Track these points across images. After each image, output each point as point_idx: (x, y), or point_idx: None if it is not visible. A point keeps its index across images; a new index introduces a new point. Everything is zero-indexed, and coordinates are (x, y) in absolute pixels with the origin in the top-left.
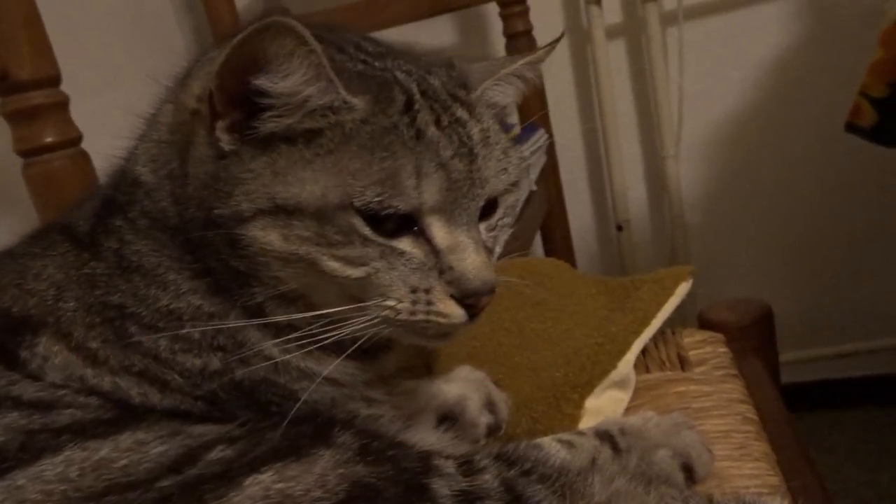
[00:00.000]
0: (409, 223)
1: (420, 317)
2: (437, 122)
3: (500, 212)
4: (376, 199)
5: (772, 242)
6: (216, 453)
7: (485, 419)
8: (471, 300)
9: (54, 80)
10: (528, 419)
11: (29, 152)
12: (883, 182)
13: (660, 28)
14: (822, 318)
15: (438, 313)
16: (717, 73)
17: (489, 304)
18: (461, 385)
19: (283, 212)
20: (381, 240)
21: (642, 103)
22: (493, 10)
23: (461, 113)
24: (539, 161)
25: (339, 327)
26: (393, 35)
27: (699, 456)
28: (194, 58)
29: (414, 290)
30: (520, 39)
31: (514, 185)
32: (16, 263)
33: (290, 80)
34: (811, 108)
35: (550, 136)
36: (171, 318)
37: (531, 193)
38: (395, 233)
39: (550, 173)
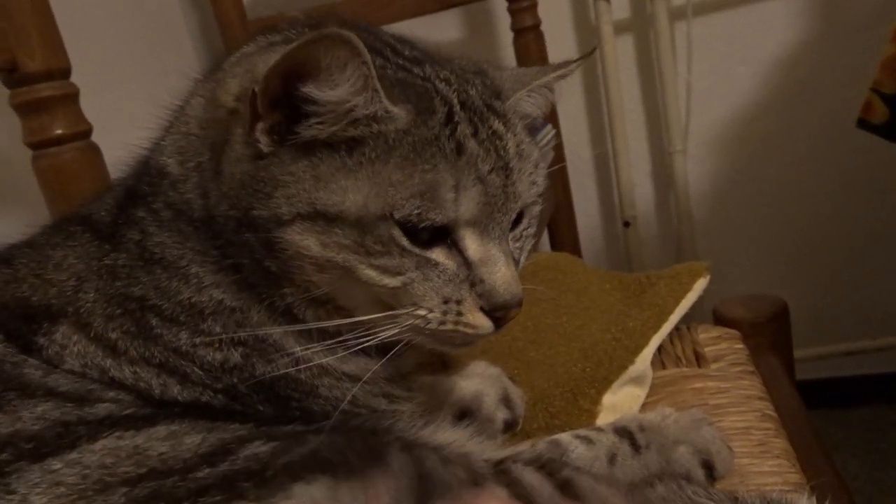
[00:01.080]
0: (443, 234)
1: (449, 326)
2: (476, 135)
3: (525, 222)
4: (416, 211)
5: (778, 239)
6: (252, 449)
7: (501, 414)
8: (499, 313)
9: (64, 72)
10: (545, 414)
11: (39, 144)
12: (892, 179)
13: (668, 24)
14: (829, 315)
15: (467, 324)
16: (725, 70)
17: (516, 316)
18: (477, 381)
19: (324, 218)
20: (417, 250)
21: (650, 99)
22: (501, 4)
23: (498, 125)
24: (546, 157)
25: (369, 334)
26: (401, 30)
27: (719, 452)
28: (224, 52)
29: (446, 301)
30: (528, 34)
31: (541, 195)
32: (35, 254)
33: (339, 90)
34: (820, 105)
35: (558, 131)
36: (192, 312)
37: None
38: (428, 243)
39: (558, 169)
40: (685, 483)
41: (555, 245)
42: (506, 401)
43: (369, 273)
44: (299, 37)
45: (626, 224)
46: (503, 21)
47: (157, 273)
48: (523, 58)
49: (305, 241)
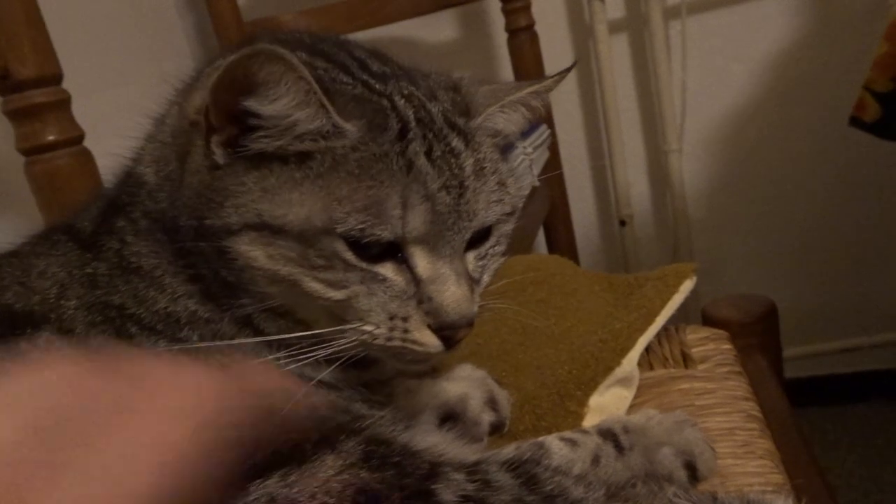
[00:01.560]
0: (392, 250)
1: (396, 343)
2: (429, 153)
3: (492, 240)
4: (359, 226)
5: (775, 237)
6: None
7: (487, 417)
8: (448, 332)
9: (56, 79)
10: (532, 416)
11: (31, 150)
12: (887, 177)
13: (662, 23)
14: (826, 313)
15: (414, 341)
16: (720, 68)
17: (466, 336)
18: (463, 384)
19: (269, 229)
20: (363, 265)
21: (645, 98)
22: (495, 5)
23: (456, 143)
24: (542, 157)
25: (323, 347)
26: (396, 30)
27: (702, 454)
28: (203, 63)
29: (392, 317)
30: (522, 35)
31: (510, 214)
32: (20, 262)
33: (279, 105)
34: (814, 103)
35: (553, 131)
36: (168, 321)
37: (534, 189)
38: (378, 258)
39: (553, 168)
40: (666, 484)
41: (551, 244)
42: (492, 403)
43: (314, 286)
44: None
45: (623, 223)
46: (498, 22)
47: (135, 282)
48: (518, 58)
49: (253, 252)
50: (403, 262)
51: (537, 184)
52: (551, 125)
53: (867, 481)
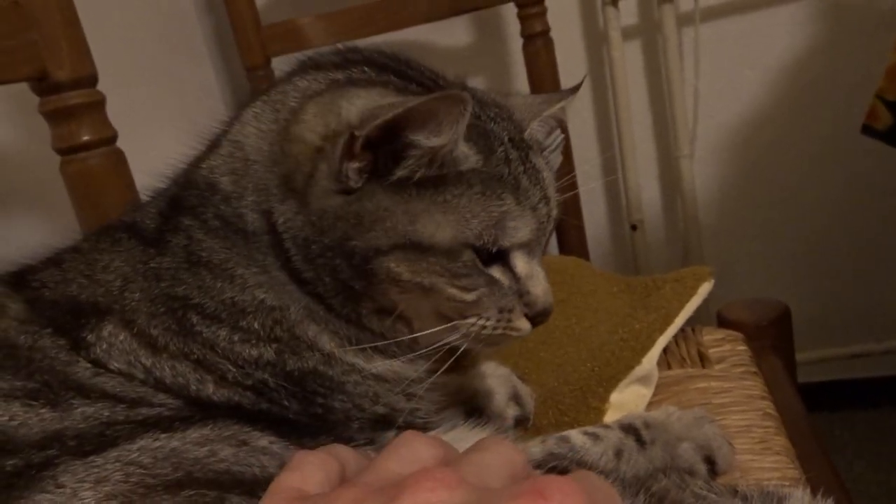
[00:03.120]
0: (501, 255)
1: (499, 331)
2: (525, 171)
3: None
4: (490, 239)
5: (785, 243)
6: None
7: (511, 412)
8: (540, 318)
9: (92, 80)
10: (555, 411)
11: (67, 150)
12: (894, 184)
13: (676, 29)
14: (835, 318)
15: (514, 328)
16: (733, 75)
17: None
18: (488, 381)
19: (418, 248)
20: (486, 270)
21: (657, 104)
22: (510, 11)
23: (536, 160)
24: (556, 161)
25: (434, 341)
26: (410, 35)
27: (720, 448)
28: (285, 83)
29: (501, 311)
30: (537, 40)
31: None
32: (83, 257)
33: (442, 138)
34: (826, 110)
35: (567, 135)
36: (234, 310)
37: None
38: (489, 263)
39: (565, 172)
40: (688, 476)
41: (563, 247)
42: (516, 398)
43: (452, 291)
44: (362, 75)
45: (634, 227)
46: (513, 27)
47: (202, 274)
48: (532, 64)
49: (398, 267)
50: (506, 264)
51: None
52: (564, 129)
53: (875, 486)
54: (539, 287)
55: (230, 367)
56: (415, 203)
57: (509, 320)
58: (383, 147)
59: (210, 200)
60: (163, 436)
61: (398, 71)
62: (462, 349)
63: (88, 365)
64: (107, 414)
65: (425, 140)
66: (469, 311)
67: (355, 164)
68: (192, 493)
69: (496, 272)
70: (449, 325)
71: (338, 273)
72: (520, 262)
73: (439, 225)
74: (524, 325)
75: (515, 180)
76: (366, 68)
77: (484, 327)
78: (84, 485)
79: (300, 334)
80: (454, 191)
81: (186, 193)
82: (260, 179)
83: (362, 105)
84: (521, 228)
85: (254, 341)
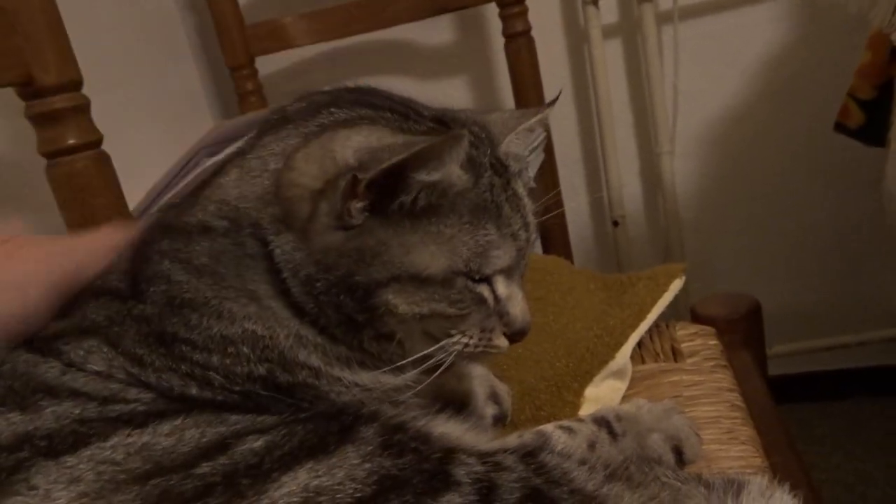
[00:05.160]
0: (484, 279)
1: (480, 349)
2: (507, 199)
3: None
4: (475, 267)
5: (763, 237)
6: (248, 444)
7: (490, 410)
8: (517, 337)
9: (76, 84)
10: (532, 407)
11: (52, 154)
12: (871, 179)
13: (655, 27)
14: (812, 311)
15: (494, 346)
16: (712, 72)
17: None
18: (466, 381)
19: (416, 280)
20: (476, 290)
21: (638, 101)
22: (492, 10)
23: (516, 186)
24: (538, 159)
25: (424, 360)
26: (393, 34)
27: (688, 438)
28: (269, 125)
29: (483, 330)
30: (519, 39)
31: None
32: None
33: (441, 173)
34: (803, 107)
35: (548, 133)
36: (223, 342)
37: (530, 191)
38: (476, 284)
39: (548, 170)
40: (656, 465)
41: (546, 243)
42: (494, 397)
43: (451, 311)
44: (343, 115)
45: (616, 223)
46: (495, 26)
47: (186, 313)
48: (515, 62)
49: (396, 299)
50: (488, 286)
51: (533, 185)
52: (546, 128)
53: (851, 475)
54: (517, 307)
55: (217, 377)
56: (409, 235)
57: (490, 339)
58: (383, 184)
59: (198, 240)
60: (135, 432)
61: (370, 104)
62: (444, 365)
63: (56, 364)
64: (77, 412)
65: (426, 177)
66: (455, 329)
67: (358, 204)
68: (158, 480)
69: (485, 291)
70: (437, 345)
71: (342, 308)
72: (500, 286)
73: (433, 255)
74: (503, 342)
75: (497, 208)
76: (333, 109)
77: (467, 345)
78: (57, 486)
79: (290, 357)
80: (447, 221)
81: (162, 241)
82: (252, 218)
83: (356, 146)
84: (501, 257)
85: (244, 362)
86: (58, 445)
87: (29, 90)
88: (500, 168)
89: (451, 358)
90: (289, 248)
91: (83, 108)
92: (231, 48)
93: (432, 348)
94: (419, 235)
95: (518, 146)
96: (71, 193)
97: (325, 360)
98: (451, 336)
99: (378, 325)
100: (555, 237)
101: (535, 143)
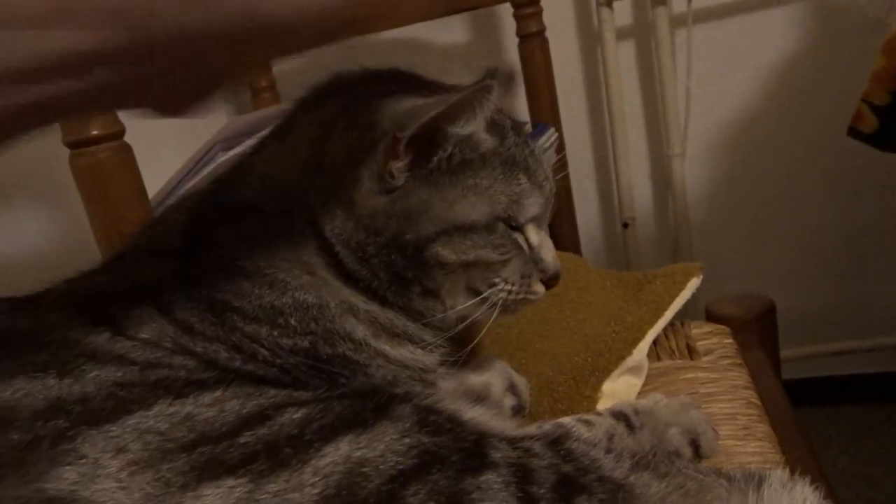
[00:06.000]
0: (517, 229)
1: (521, 296)
2: (530, 154)
3: None
4: (513, 213)
5: (773, 242)
6: (287, 415)
7: (509, 401)
8: (553, 281)
9: None
10: (550, 399)
11: (76, 144)
12: (884, 184)
13: (669, 31)
14: (821, 316)
15: (533, 292)
16: (724, 76)
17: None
18: (485, 373)
19: (461, 230)
20: (514, 237)
21: (650, 103)
22: (506, 10)
23: (531, 143)
24: (550, 159)
25: (465, 316)
26: (406, 33)
27: (705, 433)
28: (304, 102)
29: (523, 276)
30: (533, 40)
31: None
32: (107, 275)
33: (474, 125)
34: (815, 111)
35: (560, 134)
36: (272, 312)
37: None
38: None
39: (560, 171)
40: (675, 457)
41: (556, 244)
42: (512, 389)
43: (493, 255)
44: (366, 95)
45: (625, 225)
46: (509, 26)
47: (238, 280)
48: (528, 63)
49: (444, 250)
50: (522, 235)
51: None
52: (559, 128)
53: (857, 480)
54: (549, 254)
55: (263, 350)
56: (449, 191)
57: (529, 285)
58: (421, 142)
59: (248, 217)
60: (177, 401)
61: (395, 79)
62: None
63: (107, 331)
64: (119, 375)
65: (461, 130)
66: (498, 277)
67: (399, 164)
68: (204, 448)
69: (520, 239)
70: (478, 298)
71: (393, 267)
72: (531, 234)
73: (474, 205)
74: (540, 288)
75: (525, 161)
76: (363, 85)
77: (510, 293)
78: (105, 454)
79: (337, 329)
80: (482, 174)
81: (218, 212)
82: (297, 191)
83: (392, 112)
84: (533, 205)
85: (290, 334)
86: (98, 412)
87: None
88: (518, 129)
89: (493, 311)
90: (338, 221)
91: None
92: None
93: (472, 301)
94: (459, 189)
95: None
96: (93, 183)
97: (372, 330)
98: (494, 285)
99: (426, 280)
100: (565, 238)
101: (547, 143)
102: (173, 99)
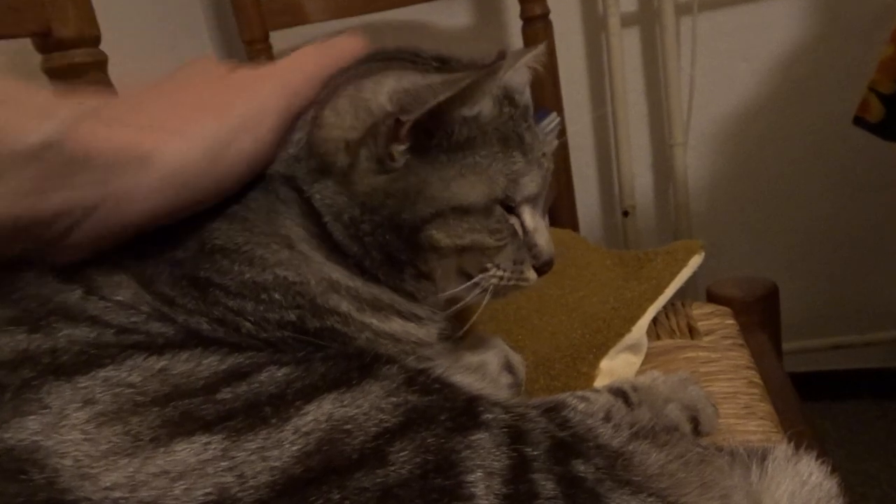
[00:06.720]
0: (511, 210)
1: (513, 282)
2: (527, 128)
3: None
4: (510, 193)
5: (773, 233)
6: (268, 374)
7: (504, 379)
8: (546, 268)
9: (95, 40)
10: (546, 377)
11: None
12: (888, 178)
13: (674, 18)
14: (821, 310)
15: (525, 279)
16: (728, 66)
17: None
18: (481, 350)
19: (458, 211)
20: (510, 222)
21: (653, 92)
22: None
23: (529, 118)
24: (551, 145)
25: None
26: (409, 14)
27: (705, 409)
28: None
29: (515, 262)
30: (536, 23)
31: None
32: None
33: (478, 107)
34: (819, 103)
35: (562, 120)
36: (255, 287)
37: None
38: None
39: (560, 158)
40: (674, 431)
41: (555, 231)
42: (508, 366)
43: (489, 241)
44: (349, 78)
45: (626, 213)
46: (513, 9)
47: (217, 258)
48: (532, 45)
49: (439, 233)
50: (516, 217)
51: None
52: (561, 114)
53: (854, 475)
54: (543, 239)
55: (247, 324)
56: (447, 170)
57: (521, 272)
58: (424, 124)
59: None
60: (152, 357)
61: (377, 57)
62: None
63: (79, 289)
64: (93, 336)
65: (468, 112)
66: (491, 263)
67: (401, 147)
68: (178, 402)
69: (515, 223)
70: (469, 283)
71: (387, 247)
72: (527, 217)
73: (473, 185)
74: (532, 275)
75: (520, 137)
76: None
77: (500, 279)
78: (72, 405)
79: (321, 303)
80: (481, 152)
81: None
82: (286, 170)
83: (390, 90)
84: (529, 184)
85: (276, 308)
86: (68, 366)
87: (47, 42)
88: (514, 101)
89: (484, 295)
90: (329, 192)
91: (101, 65)
92: (247, 22)
93: (464, 285)
94: (457, 168)
95: (516, 81)
96: None
97: (356, 304)
98: (486, 270)
99: (419, 263)
100: (564, 225)
101: (548, 129)
102: None
